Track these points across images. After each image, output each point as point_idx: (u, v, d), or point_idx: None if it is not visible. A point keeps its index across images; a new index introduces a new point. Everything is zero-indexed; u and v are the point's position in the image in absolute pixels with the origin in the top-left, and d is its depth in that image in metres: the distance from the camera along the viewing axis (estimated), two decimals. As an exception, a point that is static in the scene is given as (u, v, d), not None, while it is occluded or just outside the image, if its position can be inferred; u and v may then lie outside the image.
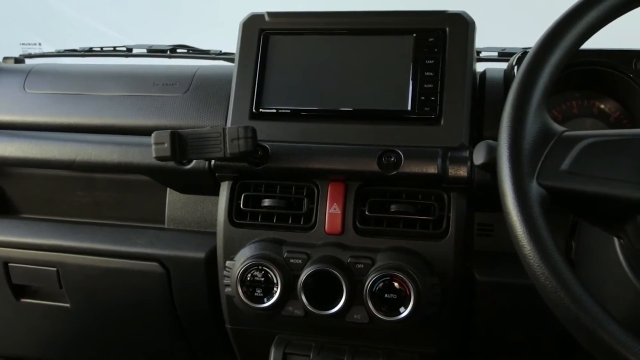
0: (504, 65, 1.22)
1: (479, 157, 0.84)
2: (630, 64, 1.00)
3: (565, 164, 0.72)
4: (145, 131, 1.16)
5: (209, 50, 1.52)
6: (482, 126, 1.06)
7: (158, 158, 0.95)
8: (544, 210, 0.70)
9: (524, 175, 0.70)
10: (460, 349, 1.06)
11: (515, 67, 1.04)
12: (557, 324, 1.00)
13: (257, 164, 1.03)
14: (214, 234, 1.10)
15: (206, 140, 0.95)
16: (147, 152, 1.10)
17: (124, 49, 1.55)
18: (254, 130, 0.95)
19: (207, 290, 1.14)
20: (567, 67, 0.90)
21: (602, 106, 1.06)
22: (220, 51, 1.52)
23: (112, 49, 1.55)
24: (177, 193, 1.19)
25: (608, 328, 0.63)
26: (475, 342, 1.08)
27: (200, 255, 1.12)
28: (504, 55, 1.34)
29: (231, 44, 1.53)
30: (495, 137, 1.02)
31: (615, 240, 0.85)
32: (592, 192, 0.71)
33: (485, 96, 1.08)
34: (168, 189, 1.20)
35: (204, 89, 1.18)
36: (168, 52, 1.52)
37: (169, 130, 0.94)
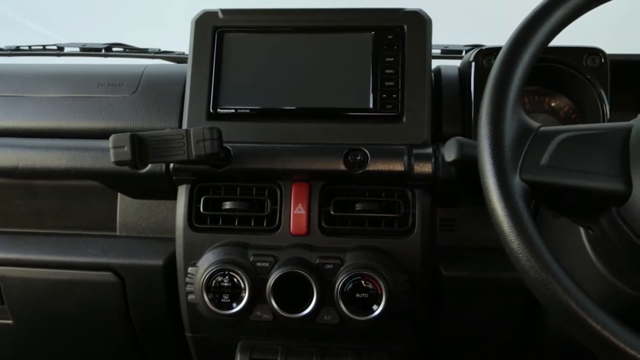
0: (447, 63, 1.25)
1: (450, 154, 0.85)
2: (581, 61, 1.03)
3: (544, 159, 0.73)
4: (92, 134, 1.11)
5: (147, 49, 1.47)
6: (441, 123, 1.07)
7: (117, 162, 0.90)
8: (528, 205, 0.71)
9: (507, 171, 0.72)
10: (427, 344, 1.07)
11: (473, 64, 1.05)
12: (521, 316, 1.04)
13: (219, 166, 0.99)
14: (171, 240, 1.06)
15: (168, 143, 0.91)
16: (99, 156, 1.05)
17: (55, 47, 1.47)
18: (219, 132, 0.92)
19: (165, 299, 1.09)
20: None
21: (553, 102, 1.09)
22: (159, 49, 1.47)
23: (41, 47, 1.48)
24: (129, 198, 1.13)
25: (598, 317, 0.65)
26: (443, 337, 1.10)
27: (158, 262, 1.08)
28: (447, 52, 1.37)
29: (170, 42, 1.50)
30: (453, 134, 1.05)
31: (582, 231, 0.88)
32: (571, 185, 0.73)
33: (442, 93, 1.09)
34: (119, 194, 1.14)
35: (153, 89, 1.13)
36: (103, 51, 1.46)
37: (129, 133, 0.90)
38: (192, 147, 0.90)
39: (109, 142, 0.90)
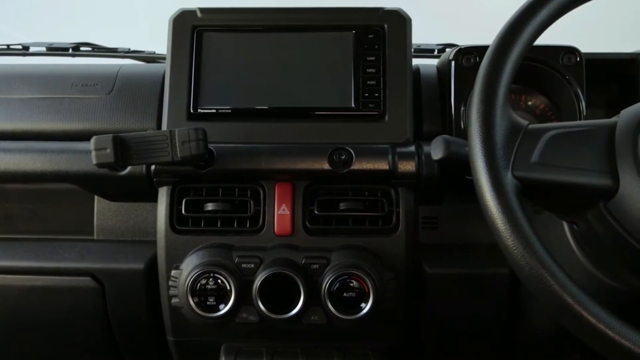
0: (419, 61, 1.26)
1: (437, 152, 0.86)
2: (557, 59, 1.05)
3: (534, 156, 0.75)
4: (68, 136, 1.08)
5: (116, 48, 1.44)
6: (422, 121, 1.08)
7: (100, 165, 0.88)
8: (521, 201, 0.72)
9: (499, 168, 0.73)
10: (412, 341, 1.08)
11: (453, 63, 1.06)
12: (504, 310, 1.06)
13: (202, 167, 0.98)
14: (151, 243, 1.05)
15: (152, 144, 0.90)
16: (76, 158, 1.03)
17: (20, 47, 1.43)
18: (204, 132, 0.91)
19: (146, 303, 1.07)
20: None
21: (529, 100, 1.11)
22: (129, 49, 1.45)
23: (5, 47, 1.43)
24: (107, 201, 1.11)
25: (593, 310, 0.67)
26: (428, 333, 1.10)
27: (139, 266, 1.05)
28: (419, 51, 1.38)
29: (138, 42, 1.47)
30: (434, 132, 1.07)
31: (566, 226, 0.90)
32: (561, 182, 0.74)
33: (421, 92, 1.10)
34: (96, 197, 1.11)
35: (129, 90, 1.11)
36: (70, 50, 1.43)
37: (111, 135, 0.88)
38: (177, 148, 0.89)
39: (91, 144, 0.89)
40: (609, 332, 0.66)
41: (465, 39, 1.18)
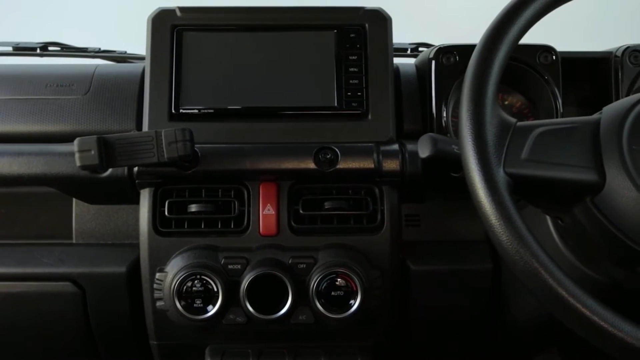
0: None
1: (424, 150, 0.87)
2: (534, 58, 1.08)
3: (524, 153, 0.77)
4: (44, 138, 1.05)
5: (86, 48, 1.41)
6: (402, 120, 1.09)
7: (84, 167, 0.87)
8: (513, 197, 0.74)
9: (492, 165, 0.74)
10: (397, 338, 1.09)
11: (433, 62, 1.07)
12: (487, 303, 1.08)
13: (187, 168, 0.97)
14: (132, 246, 1.03)
15: (137, 145, 0.88)
16: (54, 160, 1.00)
17: (-16, 47, 1.39)
18: (191, 133, 0.90)
19: (129, 307, 1.05)
20: None
21: (506, 99, 1.13)
22: (100, 48, 1.42)
23: (-31, 47, 1.39)
24: (85, 204, 1.08)
25: (586, 303, 0.69)
26: (413, 329, 1.11)
27: (121, 269, 1.03)
28: (395, 50, 1.39)
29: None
30: (415, 130, 1.08)
31: (549, 220, 0.92)
32: (551, 177, 0.76)
33: (401, 91, 1.11)
34: (74, 200, 1.08)
35: (107, 90, 1.08)
36: (38, 50, 1.39)
37: (95, 136, 0.86)
38: (164, 149, 0.88)
39: (74, 146, 0.87)
40: (602, 323, 0.68)
41: (436, 38, 1.20)
